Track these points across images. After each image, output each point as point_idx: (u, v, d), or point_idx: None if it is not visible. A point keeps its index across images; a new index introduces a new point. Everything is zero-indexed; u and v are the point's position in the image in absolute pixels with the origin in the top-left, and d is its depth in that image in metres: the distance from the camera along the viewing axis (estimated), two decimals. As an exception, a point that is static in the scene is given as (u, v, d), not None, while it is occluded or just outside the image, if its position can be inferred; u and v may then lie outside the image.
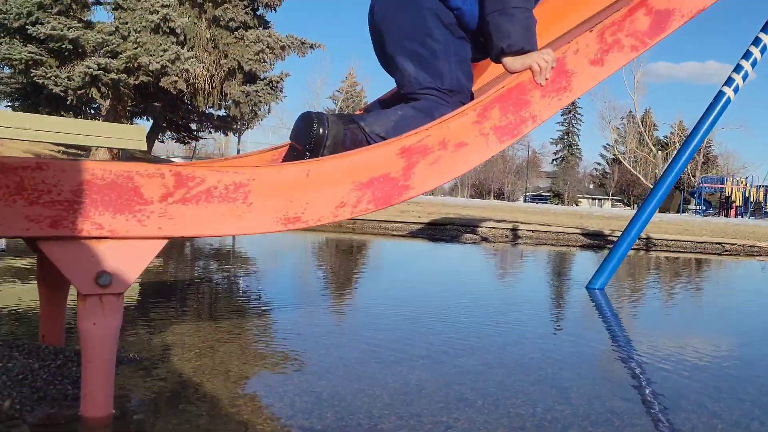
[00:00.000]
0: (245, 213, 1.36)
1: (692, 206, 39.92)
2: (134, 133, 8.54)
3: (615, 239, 7.63)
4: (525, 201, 51.23)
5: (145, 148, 8.43)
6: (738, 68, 3.32)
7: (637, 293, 3.78)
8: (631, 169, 50.28)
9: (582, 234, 7.82)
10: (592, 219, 15.66)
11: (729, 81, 3.33)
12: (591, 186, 64.40)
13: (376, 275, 3.92)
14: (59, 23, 16.10)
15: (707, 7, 1.99)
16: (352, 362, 1.79)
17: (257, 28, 18.83)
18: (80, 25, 16.66)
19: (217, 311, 2.46)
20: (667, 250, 7.31)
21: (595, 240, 7.71)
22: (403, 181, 1.53)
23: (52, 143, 14.51)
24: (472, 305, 2.93)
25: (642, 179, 49.74)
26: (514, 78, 1.68)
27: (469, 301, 3.07)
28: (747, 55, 3.30)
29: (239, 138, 41.13)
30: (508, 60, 1.74)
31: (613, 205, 59.47)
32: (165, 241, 1.31)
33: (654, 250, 7.20)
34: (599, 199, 62.49)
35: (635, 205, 54.89)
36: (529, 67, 1.69)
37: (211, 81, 18.21)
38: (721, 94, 3.33)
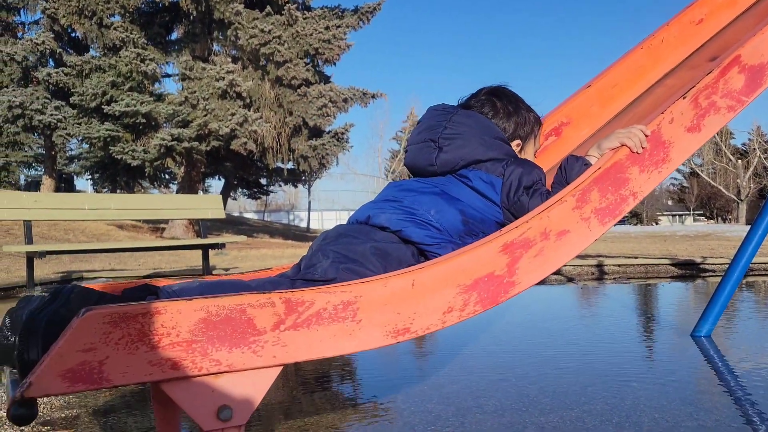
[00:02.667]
0: (355, 330, 1.36)
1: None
2: (212, 203, 8.78)
3: (708, 267, 7.36)
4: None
5: (223, 216, 8.64)
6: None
7: (753, 340, 3.58)
8: (711, 182, 48.64)
9: (672, 264, 7.56)
10: (677, 240, 15.17)
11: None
12: (669, 202, 62.48)
13: (468, 322, 3.86)
14: (132, 99, 16.87)
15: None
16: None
17: (319, 84, 19.26)
18: (151, 98, 17.41)
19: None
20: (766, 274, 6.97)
21: (686, 270, 7.43)
22: (508, 277, 1.50)
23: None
24: (575, 364, 2.84)
25: (723, 191, 48.02)
26: (609, 157, 1.64)
27: (565, 357, 2.98)
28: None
29: (309, 189, 41.86)
30: (594, 156, 1.76)
31: (695, 220, 57.53)
32: (280, 368, 1.31)
33: (754, 275, 6.87)
34: (680, 215, 60.52)
35: (718, 219, 52.93)
36: (623, 145, 1.65)
37: (278, 139, 18.67)
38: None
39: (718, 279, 3.39)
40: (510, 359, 2.99)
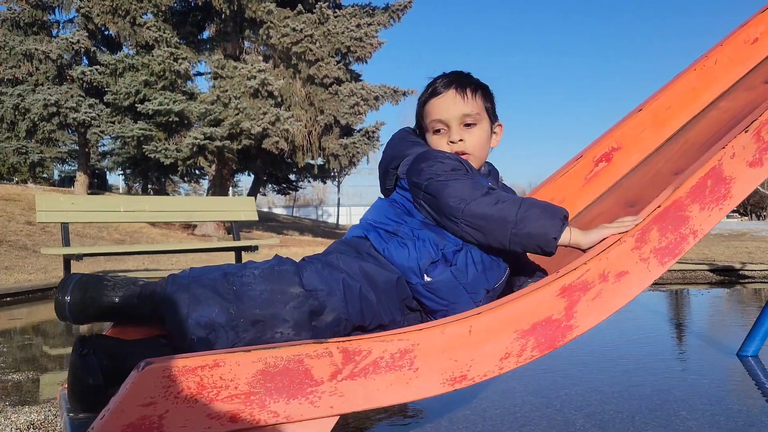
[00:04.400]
0: (413, 379, 1.33)
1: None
2: (245, 205, 8.83)
3: (747, 274, 7.22)
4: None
5: (256, 218, 8.69)
6: None
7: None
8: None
9: (710, 270, 7.43)
10: (711, 241, 14.93)
11: None
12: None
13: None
14: (165, 98, 17.04)
15: None
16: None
17: (350, 82, 19.28)
18: (184, 97, 17.57)
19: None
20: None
21: (725, 276, 7.31)
22: (566, 321, 1.47)
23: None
24: (619, 388, 2.79)
25: (758, 187, 47.13)
26: (669, 195, 1.59)
27: (605, 374, 2.93)
28: None
29: (339, 186, 41.96)
30: (573, 243, 1.61)
31: (728, 217, 56.59)
32: (336, 418, 1.29)
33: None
34: (712, 214, 59.33)
35: (752, 215, 52.00)
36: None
37: (309, 137, 18.73)
38: None
39: (759, 286, 3.31)
40: (551, 381, 2.94)
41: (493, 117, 1.83)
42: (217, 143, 16.70)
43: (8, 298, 6.85)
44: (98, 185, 36.23)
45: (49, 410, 2.53)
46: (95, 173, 35.01)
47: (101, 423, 1.11)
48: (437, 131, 1.77)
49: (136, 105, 17.28)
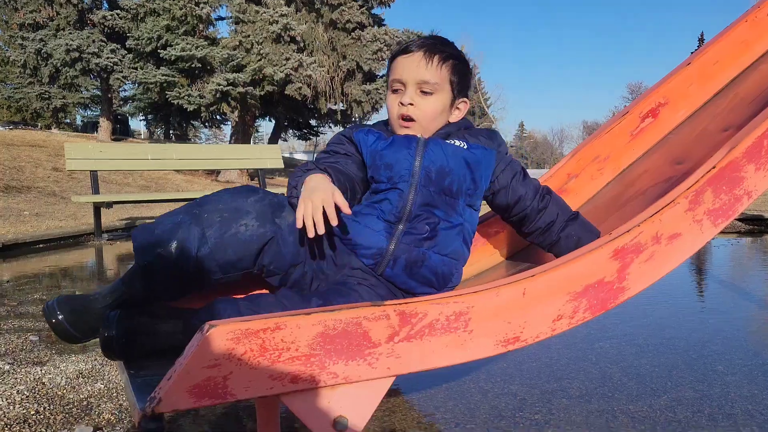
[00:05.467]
0: (467, 341, 1.35)
1: None
2: (270, 152, 8.84)
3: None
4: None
5: (281, 165, 8.70)
6: None
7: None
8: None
9: (738, 219, 7.37)
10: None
11: None
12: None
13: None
14: (187, 43, 16.91)
15: None
16: None
17: (373, 27, 18.99)
18: (206, 42, 17.43)
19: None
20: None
21: (754, 226, 7.25)
22: (618, 283, 1.47)
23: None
24: (654, 341, 2.80)
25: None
26: (725, 156, 1.56)
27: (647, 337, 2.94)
28: None
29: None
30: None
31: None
32: (393, 379, 1.31)
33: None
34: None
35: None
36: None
37: (331, 83, 18.59)
38: None
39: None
40: (585, 334, 2.96)
41: (457, 92, 1.68)
42: (240, 89, 16.60)
43: (41, 245, 6.98)
44: (121, 131, 36.40)
45: (95, 359, 2.60)
46: (117, 118, 35.12)
47: (169, 384, 1.14)
48: (395, 91, 1.67)
49: (158, 50, 17.18)
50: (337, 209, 1.42)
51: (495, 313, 1.36)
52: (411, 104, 1.63)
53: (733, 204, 1.56)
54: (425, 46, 1.65)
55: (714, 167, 1.54)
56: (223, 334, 1.16)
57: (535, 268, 1.44)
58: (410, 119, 1.63)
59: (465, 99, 1.72)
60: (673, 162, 2.01)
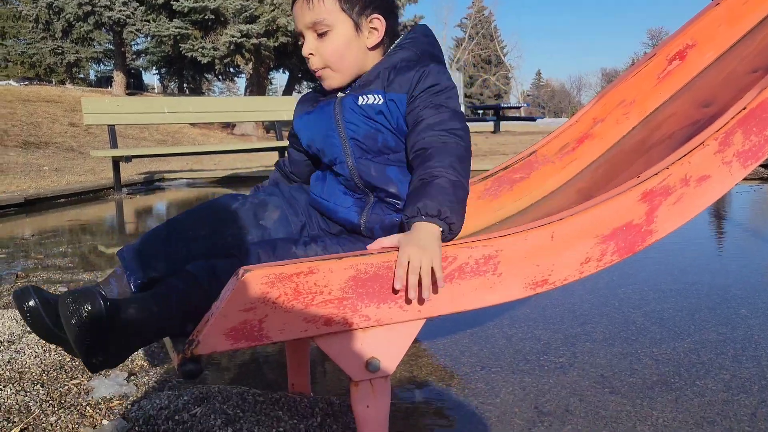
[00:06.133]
0: (496, 284, 1.36)
1: None
2: (286, 104, 8.81)
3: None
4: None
5: (298, 117, 8.67)
6: None
7: None
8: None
9: (763, 165, 7.30)
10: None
11: None
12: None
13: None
14: (199, -6, 16.73)
15: None
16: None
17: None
18: (218, -7, 17.22)
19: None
20: None
21: (776, 173, 7.18)
22: (645, 226, 1.47)
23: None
24: (677, 286, 2.81)
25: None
26: (755, 96, 1.54)
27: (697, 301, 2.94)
28: None
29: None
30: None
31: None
32: (423, 321, 1.33)
33: None
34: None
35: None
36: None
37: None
38: None
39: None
40: (608, 279, 2.97)
41: (357, 14, 1.49)
42: (254, 41, 16.46)
43: (62, 200, 7.06)
44: (135, 85, 36.34)
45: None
46: (131, 73, 35.05)
47: (207, 327, 1.17)
48: (302, 45, 1.54)
49: (170, 2, 17.01)
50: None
51: (524, 256, 1.37)
52: (312, 54, 1.51)
53: (763, 145, 1.55)
54: None
55: (744, 108, 1.53)
56: (258, 278, 1.18)
57: (562, 212, 1.44)
58: (317, 70, 1.53)
59: (375, 15, 1.51)
60: (699, 105, 1.99)
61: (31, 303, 1.22)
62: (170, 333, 1.32)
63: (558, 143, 2.05)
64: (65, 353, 2.06)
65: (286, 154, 1.77)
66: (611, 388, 1.82)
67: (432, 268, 1.24)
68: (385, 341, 1.30)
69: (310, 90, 1.70)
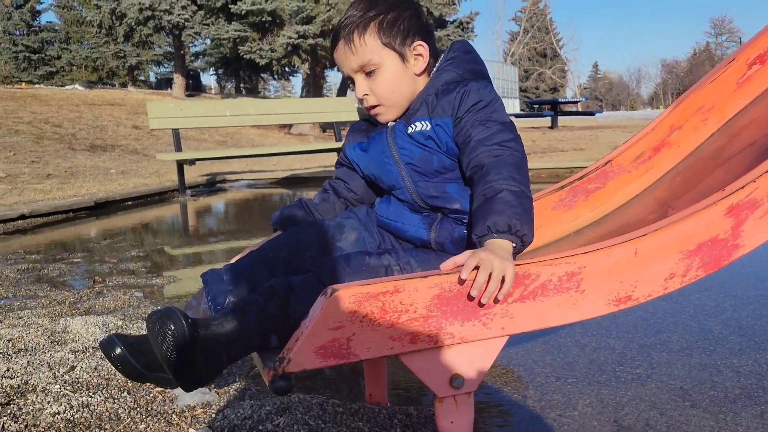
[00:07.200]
0: (579, 300, 1.36)
1: None
2: (345, 105, 8.87)
3: None
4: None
5: (357, 117, 8.73)
6: None
7: None
8: None
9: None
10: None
11: None
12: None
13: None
14: (256, -4, 16.99)
15: None
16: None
17: (442, -29, 18.62)
18: (275, -5, 17.46)
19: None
20: None
21: None
22: (732, 240, 1.44)
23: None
24: (752, 293, 2.73)
25: None
26: None
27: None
28: None
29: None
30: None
31: None
32: (507, 338, 1.34)
33: None
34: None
35: None
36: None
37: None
38: None
39: None
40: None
41: (401, 47, 1.51)
42: (310, 41, 16.64)
43: (129, 202, 7.27)
44: (193, 86, 37.11)
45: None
46: (189, 74, 35.81)
47: (297, 345, 1.20)
48: (352, 89, 1.58)
49: (228, 5, 17.32)
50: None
51: (607, 272, 1.36)
52: (366, 95, 1.54)
53: None
54: (341, 30, 1.53)
55: (834, 118, 1.48)
56: (346, 297, 1.20)
57: (646, 227, 1.43)
58: (373, 108, 1.56)
59: (418, 42, 1.54)
60: (782, 110, 1.94)
61: (118, 351, 1.26)
62: (255, 348, 1.35)
63: (634, 152, 2.03)
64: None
65: (336, 179, 1.75)
66: (692, 401, 1.79)
67: (504, 277, 1.23)
68: (468, 358, 1.31)
69: (361, 120, 1.71)
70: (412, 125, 1.52)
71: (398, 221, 1.58)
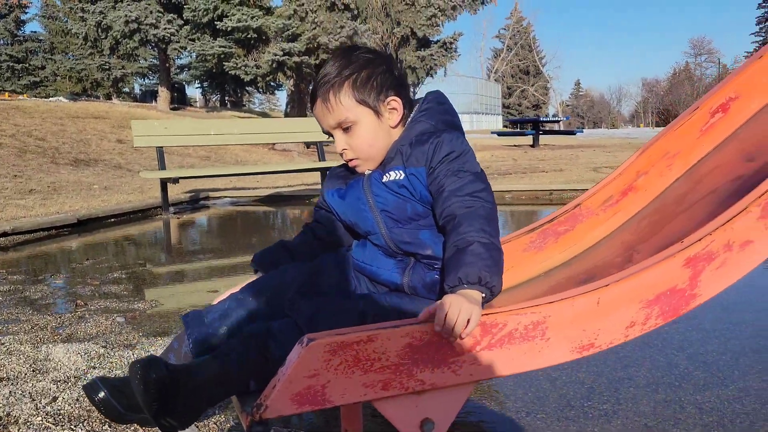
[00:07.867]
0: (544, 348, 1.43)
1: None
2: (329, 125, 8.93)
3: None
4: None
5: (340, 138, 8.81)
6: None
7: None
8: None
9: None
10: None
11: None
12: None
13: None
14: (243, 14, 17.10)
15: None
16: None
17: (426, -9, 18.84)
18: (261, 12, 17.58)
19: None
20: None
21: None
22: (690, 290, 1.52)
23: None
24: (721, 326, 2.82)
25: None
26: (798, 163, 1.59)
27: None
28: None
29: (415, 94, 41.67)
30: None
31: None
32: (475, 383, 1.41)
33: None
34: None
35: None
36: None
37: (385, 50, 18.52)
38: None
39: None
40: (651, 317, 2.99)
41: (375, 103, 1.57)
42: (296, 59, 16.76)
43: (112, 219, 7.28)
44: (178, 99, 37.07)
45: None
46: (174, 87, 35.77)
47: (275, 393, 1.26)
48: (332, 142, 1.67)
49: (214, 22, 17.42)
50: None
51: (571, 321, 1.44)
52: (345, 149, 1.60)
53: (807, 209, 1.58)
54: (318, 89, 1.58)
55: (787, 175, 1.57)
56: (322, 347, 1.27)
57: (607, 277, 1.50)
58: (354, 160, 1.62)
59: (391, 97, 1.59)
60: (743, 159, 2.03)
61: (101, 395, 1.33)
62: (235, 391, 1.42)
63: (602, 196, 2.11)
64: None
65: (315, 222, 1.81)
66: None
67: (469, 319, 1.30)
68: (439, 403, 1.38)
69: (339, 166, 1.77)
70: (387, 174, 1.59)
71: (373, 265, 1.65)
